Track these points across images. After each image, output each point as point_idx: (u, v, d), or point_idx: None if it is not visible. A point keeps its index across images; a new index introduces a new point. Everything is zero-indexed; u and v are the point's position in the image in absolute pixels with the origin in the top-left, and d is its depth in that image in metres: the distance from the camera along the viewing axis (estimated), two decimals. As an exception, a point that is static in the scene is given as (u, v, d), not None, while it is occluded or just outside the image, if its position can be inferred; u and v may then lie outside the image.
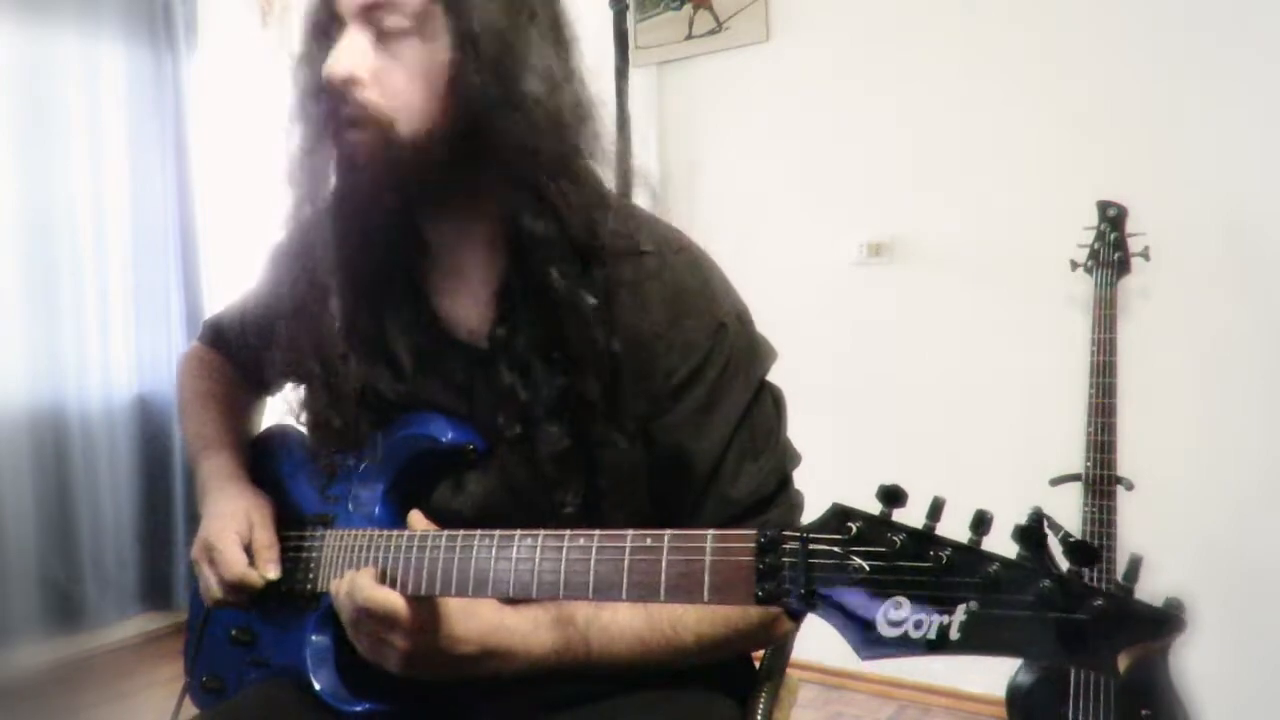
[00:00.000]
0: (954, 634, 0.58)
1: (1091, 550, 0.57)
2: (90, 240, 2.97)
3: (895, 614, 0.60)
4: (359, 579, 0.84)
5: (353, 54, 0.87)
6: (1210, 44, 2.13)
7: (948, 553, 0.59)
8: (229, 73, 3.29)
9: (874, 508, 0.64)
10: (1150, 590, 0.57)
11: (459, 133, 0.89)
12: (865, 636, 0.60)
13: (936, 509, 0.61)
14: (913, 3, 2.49)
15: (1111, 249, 2.02)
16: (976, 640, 0.58)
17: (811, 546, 0.63)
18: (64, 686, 2.81)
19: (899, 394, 2.53)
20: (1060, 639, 0.55)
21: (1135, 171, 2.20)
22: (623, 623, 0.88)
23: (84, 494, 2.93)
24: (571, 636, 0.87)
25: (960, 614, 0.58)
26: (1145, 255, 2.03)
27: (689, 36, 2.81)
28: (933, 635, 0.58)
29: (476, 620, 0.85)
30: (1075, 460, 1.96)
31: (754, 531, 0.66)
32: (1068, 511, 1.88)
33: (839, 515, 0.63)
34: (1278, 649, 2.08)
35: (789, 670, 1.05)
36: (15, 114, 2.80)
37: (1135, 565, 0.56)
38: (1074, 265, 2.07)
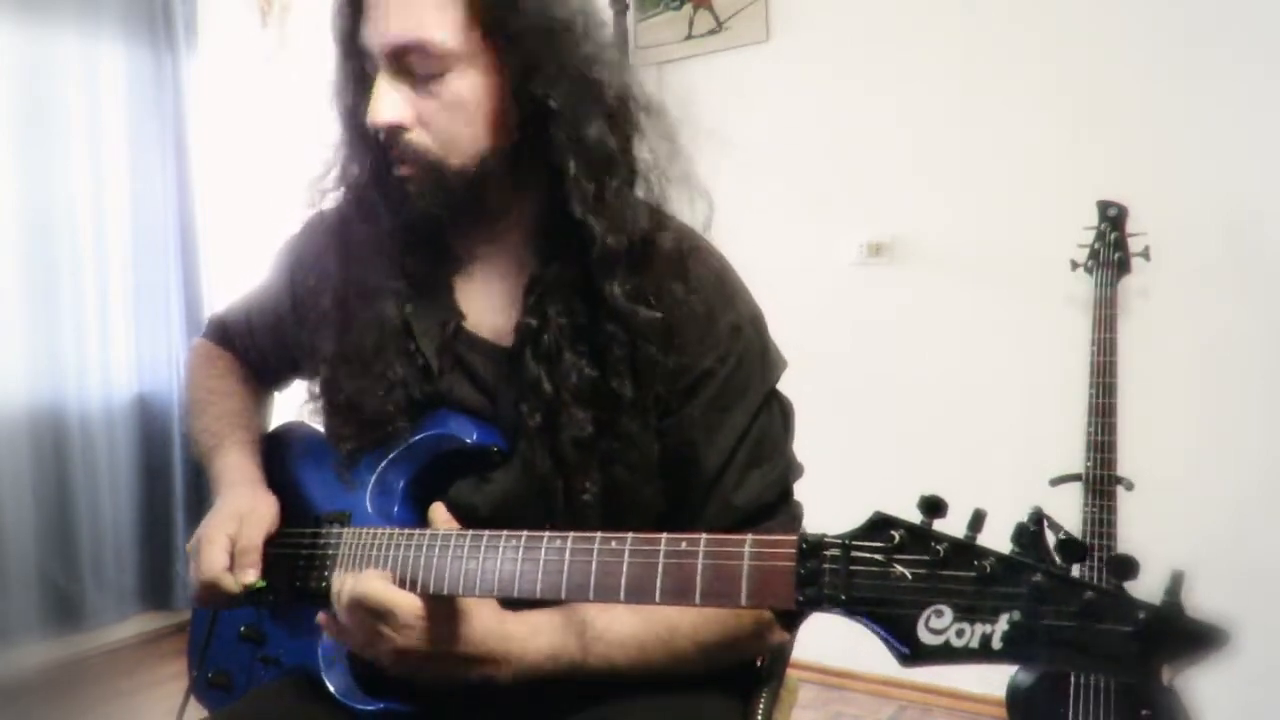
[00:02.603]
0: (996, 643, 0.58)
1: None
2: (90, 240, 2.96)
3: (937, 622, 0.60)
4: (360, 573, 0.84)
5: (392, 102, 0.88)
6: (1210, 44, 2.12)
7: (991, 562, 0.59)
8: (229, 73, 3.29)
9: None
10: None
11: (509, 150, 0.90)
12: (906, 644, 0.61)
13: (978, 520, 0.61)
14: (913, 3, 2.49)
15: (1111, 249, 2.01)
16: (1019, 650, 0.58)
17: (854, 554, 0.63)
18: (64, 686, 2.81)
19: (899, 394, 2.53)
20: (1105, 651, 0.55)
21: (1135, 171, 2.20)
22: (620, 628, 0.88)
23: (84, 494, 2.93)
24: (569, 643, 0.87)
25: (1003, 624, 0.58)
26: (1145, 255, 2.02)
27: (689, 36, 2.81)
28: (975, 644, 0.58)
29: (476, 622, 0.84)
30: (1075, 460, 1.96)
31: (795, 537, 0.66)
32: (1068, 511, 1.88)
33: (880, 523, 0.63)
34: (1278, 649, 2.08)
35: (789, 670, 1.05)
36: (15, 114, 2.80)
37: (1178, 580, 0.55)
38: (1074, 265, 2.07)
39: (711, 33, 2.78)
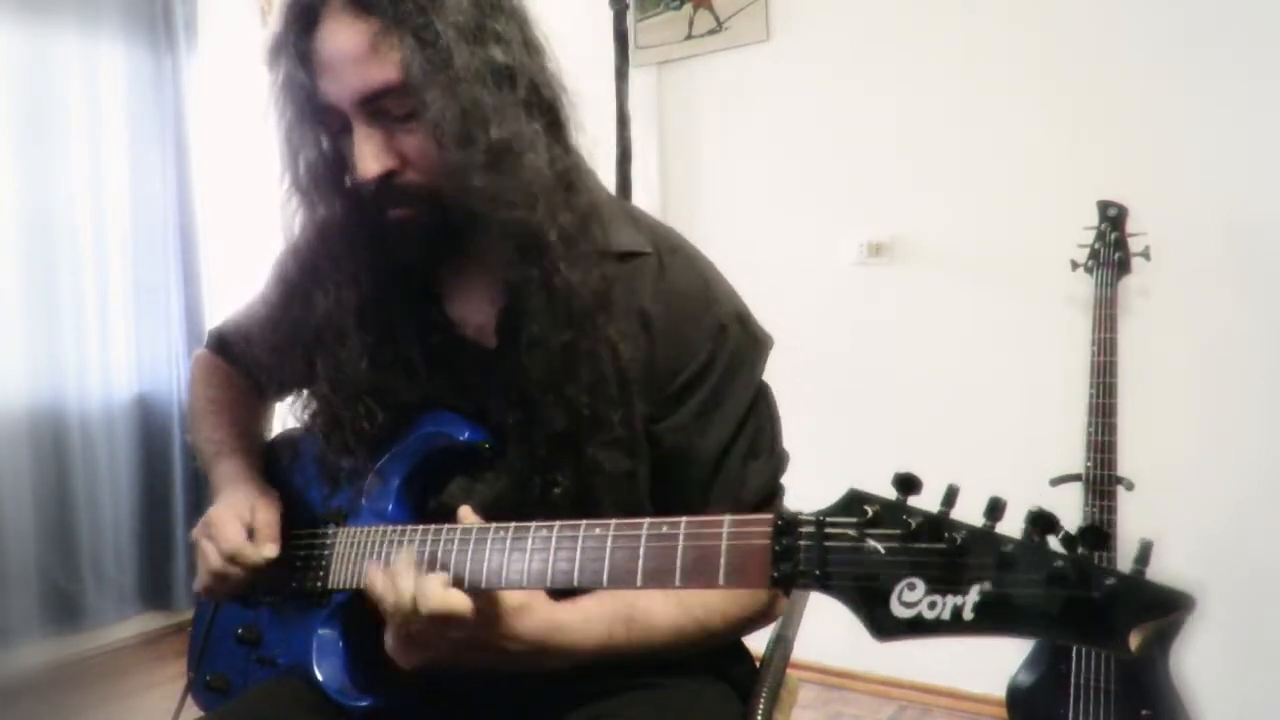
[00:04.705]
0: (967, 614, 0.58)
1: (1101, 534, 0.57)
2: (90, 240, 2.97)
3: (909, 595, 0.60)
4: (428, 584, 0.79)
5: (375, 151, 0.87)
6: (1210, 44, 2.13)
7: (962, 535, 0.59)
8: (229, 73, 3.28)
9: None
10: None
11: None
12: (879, 618, 0.61)
13: (951, 496, 0.61)
14: (913, 3, 2.49)
15: (1112, 249, 2.02)
16: (990, 620, 0.58)
17: (827, 530, 0.64)
18: (64, 686, 2.81)
19: (899, 394, 2.53)
20: (1073, 617, 0.56)
21: (1135, 171, 2.20)
22: (658, 611, 0.89)
23: (84, 494, 2.93)
24: (615, 630, 0.87)
25: (974, 594, 0.58)
26: (1145, 255, 2.03)
27: (689, 36, 2.81)
28: (946, 616, 0.59)
29: (532, 619, 0.83)
30: (1075, 460, 1.96)
31: (770, 515, 0.67)
32: (1068, 511, 1.87)
33: (855, 500, 0.64)
34: (1278, 649, 2.08)
35: (789, 670, 1.05)
36: (15, 114, 2.80)
37: (1146, 549, 0.56)
38: (1074, 265, 2.07)
39: (711, 33, 2.78)
